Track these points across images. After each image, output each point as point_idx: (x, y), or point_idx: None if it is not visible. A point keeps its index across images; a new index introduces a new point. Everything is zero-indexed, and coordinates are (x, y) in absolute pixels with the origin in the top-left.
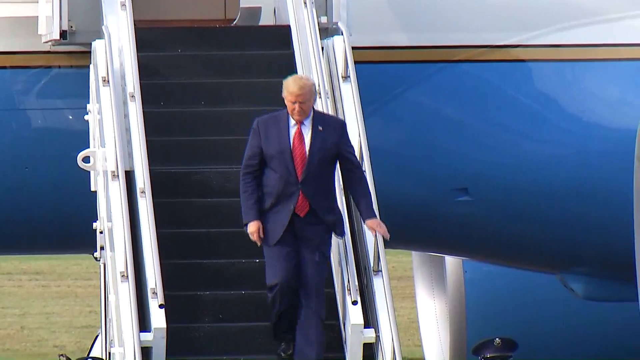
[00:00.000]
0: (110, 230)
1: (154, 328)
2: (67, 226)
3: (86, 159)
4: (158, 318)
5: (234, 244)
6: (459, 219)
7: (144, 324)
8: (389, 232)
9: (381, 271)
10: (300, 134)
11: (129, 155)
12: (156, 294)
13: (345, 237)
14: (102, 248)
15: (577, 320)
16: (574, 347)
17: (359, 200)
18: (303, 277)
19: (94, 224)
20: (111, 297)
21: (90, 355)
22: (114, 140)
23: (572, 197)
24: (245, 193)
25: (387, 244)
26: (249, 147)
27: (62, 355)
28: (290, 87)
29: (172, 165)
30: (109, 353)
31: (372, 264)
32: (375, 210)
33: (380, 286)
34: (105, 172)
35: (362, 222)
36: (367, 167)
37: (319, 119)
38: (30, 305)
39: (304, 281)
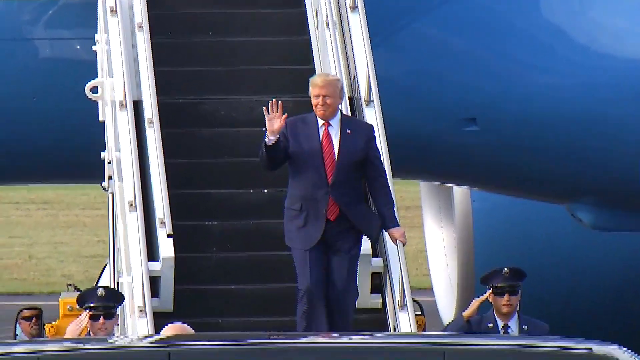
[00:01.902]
0: (119, 160)
1: (162, 257)
2: (75, 156)
3: (94, 89)
4: (166, 247)
5: (242, 173)
6: (466, 149)
7: (152, 253)
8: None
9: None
10: (328, 136)
11: (136, 85)
12: (164, 223)
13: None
14: (110, 178)
15: (585, 250)
16: (582, 277)
17: (381, 207)
18: (333, 282)
19: (102, 154)
20: (119, 227)
21: (99, 285)
22: (122, 71)
23: (579, 128)
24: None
25: (396, 174)
26: None
27: (70, 284)
28: (315, 80)
29: (180, 96)
30: (117, 282)
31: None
32: (397, 219)
33: None
34: (113, 103)
35: (384, 230)
36: (382, 142)
37: (347, 122)
38: (38, 235)
39: (334, 285)
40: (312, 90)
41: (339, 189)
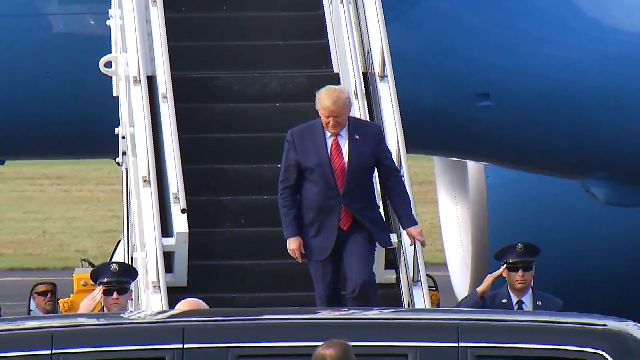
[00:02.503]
0: (132, 136)
1: (176, 233)
2: (89, 131)
3: (108, 64)
4: (180, 223)
5: (255, 149)
6: (480, 124)
7: (165, 228)
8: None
9: (403, 176)
10: (337, 145)
11: (150, 60)
12: (178, 198)
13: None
14: (124, 153)
15: (599, 225)
16: (596, 253)
17: (397, 207)
18: (353, 277)
19: (116, 129)
20: (133, 202)
21: (112, 260)
22: (135, 46)
23: (593, 102)
24: (285, 208)
25: (409, 149)
26: (284, 159)
27: (84, 260)
28: (323, 101)
29: (194, 71)
30: (131, 258)
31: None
32: (415, 217)
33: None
34: (127, 77)
35: (401, 229)
36: (400, 139)
37: (355, 126)
38: (52, 210)
39: (354, 279)
40: (321, 110)
41: (351, 196)
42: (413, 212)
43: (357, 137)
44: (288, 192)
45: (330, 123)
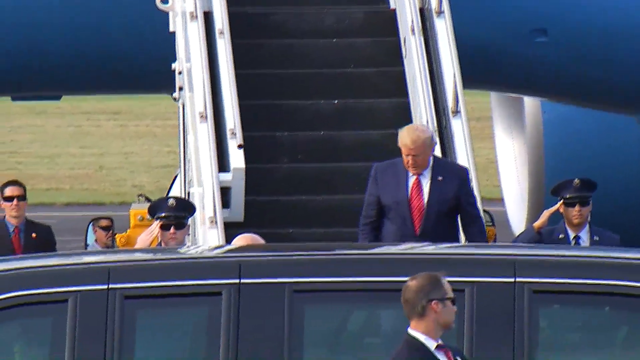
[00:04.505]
0: (189, 71)
1: (233, 168)
2: (145, 67)
3: (165, 0)
4: (237, 158)
5: (312, 84)
6: (537, 60)
7: (222, 164)
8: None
9: (459, 112)
10: (418, 185)
11: None
12: (235, 134)
13: (423, 76)
14: (180, 89)
15: None
16: None
17: None
18: None
19: (173, 65)
20: (190, 138)
21: (170, 195)
22: None
23: None
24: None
25: (466, 85)
26: (367, 194)
27: (140, 195)
28: (404, 139)
29: (250, 6)
30: (188, 193)
31: (450, 105)
32: None
33: (458, 127)
34: (183, 13)
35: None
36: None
37: (439, 167)
38: (109, 145)
39: None
40: (401, 147)
41: (428, 237)
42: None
43: (440, 178)
44: (368, 229)
45: (410, 162)
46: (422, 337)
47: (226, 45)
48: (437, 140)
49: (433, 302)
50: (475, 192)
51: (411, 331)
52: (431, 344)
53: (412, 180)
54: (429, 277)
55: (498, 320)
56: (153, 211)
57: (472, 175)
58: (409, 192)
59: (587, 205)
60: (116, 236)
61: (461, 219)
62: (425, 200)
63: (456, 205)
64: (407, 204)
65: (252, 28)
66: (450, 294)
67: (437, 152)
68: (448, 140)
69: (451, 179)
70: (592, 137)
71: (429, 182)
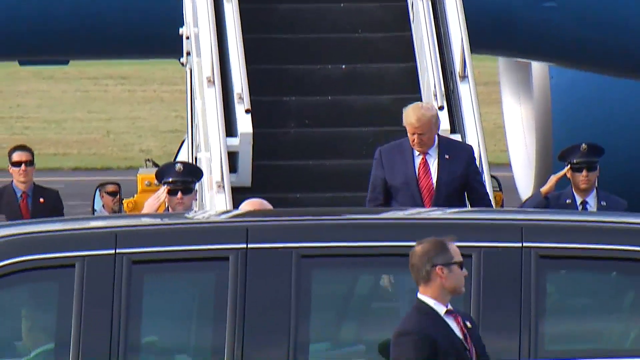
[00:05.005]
0: (197, 36)
1: (240, 133)
2: (153, 31)
3: None
4: (244, 123)
5: (319, 49)
6: (544, 25)
7: (230, 129)
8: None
9: (467, 76)
10: (425, 164)
11: None
12: (242, 99)
13: (431, 41)
14: (188, 53)
15: None
16: None
17: None
18: None
19: (180, 30)
20: (197, 103)
21: (177, 160)
22: None
23: None
24: None
25: (474, 50)
26: (372, 177)
27: (148, 159)
28: (409, 117)
29: None
30: (196, 158)
31: (458, 70)
32: None
33: (466, 92)
34: None
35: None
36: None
37: (445, 146)
38: (116, 110)
39: None
40: (407, 126)
41: None
42: None
43: (447, 156)
44: None
45: (415, 140)
46: (431, 302)
47: (234, 10)
48: (445, 104)
49: (437, 267)
50: (483, 157)
51: (421, 296)
52: (441, 309)
53: (418, 159)
54: (435, 243)
55: (505, 285)
56: (160, 176)
57: (480, 139)
58: (417, 172)
59: (595, 170)
60: (124, 201)
61: (468, 196)
62: (434, 178)
63: (464, 184)
64: (415, 184)
65: None
66: (457, 259)
67: (445, 118)
68: (455, 105)
69: (458, 157)
70: (600, 102)
71: (436, 161)
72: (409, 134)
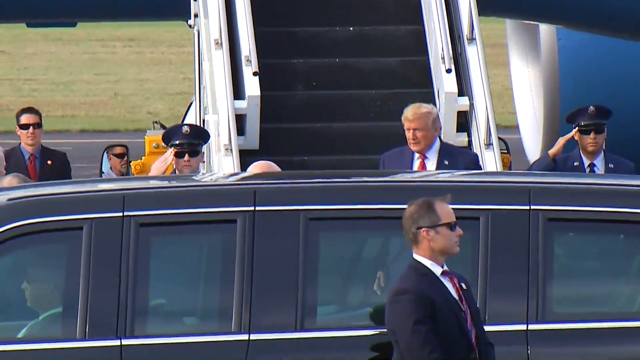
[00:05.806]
0: None
1: (248, 96)
2: None
3: None
4: (252, 86)
5: (328, 11)
6: None
7: (237, 91)
8: None
9: (475, 39)
10: (422, 168)
11: None
12: (250, 61)
13: (439, 3)
14: (196, 15)
15: None
16: None
17: None
18: None
19: None
20: (205, 65)
21: (184, 122)
22: None
23: None
24: None
25: (481, 12)
26: None
27: (156, 122)
28: (405, 113)
29: None
30: (203, 120)
31: (465, 32)
32: None
33: (474, 54)
34: None
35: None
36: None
37: (446, 151)
38: (124, 72)
39: None
40: (404, 123)
41: None
42: None
43: (446, 162)
44: None
45: (410, 136)
46: (427, 263)
47: None
48: (453, 67)
49: (422, 229)
50: (491, 120)
51: (416, 256)
52: (437, 270)
53: (417, 162)
54: (420, 204)
55: (513, 248)
56: (167, 139)
57: (488, 101)
58: None
59: (602, 132)
60: (131, 163)
61: None
62: None
63: None
64: None
65: None
66: (446, 220)
67: (453, 80)
68: (463, 67)
69: (458, 163)
70: (608, 64)
71: (435, 165)
72: (406, 132)
